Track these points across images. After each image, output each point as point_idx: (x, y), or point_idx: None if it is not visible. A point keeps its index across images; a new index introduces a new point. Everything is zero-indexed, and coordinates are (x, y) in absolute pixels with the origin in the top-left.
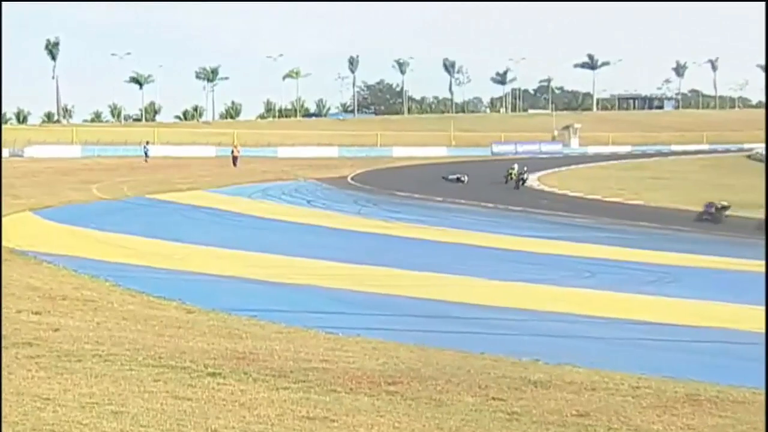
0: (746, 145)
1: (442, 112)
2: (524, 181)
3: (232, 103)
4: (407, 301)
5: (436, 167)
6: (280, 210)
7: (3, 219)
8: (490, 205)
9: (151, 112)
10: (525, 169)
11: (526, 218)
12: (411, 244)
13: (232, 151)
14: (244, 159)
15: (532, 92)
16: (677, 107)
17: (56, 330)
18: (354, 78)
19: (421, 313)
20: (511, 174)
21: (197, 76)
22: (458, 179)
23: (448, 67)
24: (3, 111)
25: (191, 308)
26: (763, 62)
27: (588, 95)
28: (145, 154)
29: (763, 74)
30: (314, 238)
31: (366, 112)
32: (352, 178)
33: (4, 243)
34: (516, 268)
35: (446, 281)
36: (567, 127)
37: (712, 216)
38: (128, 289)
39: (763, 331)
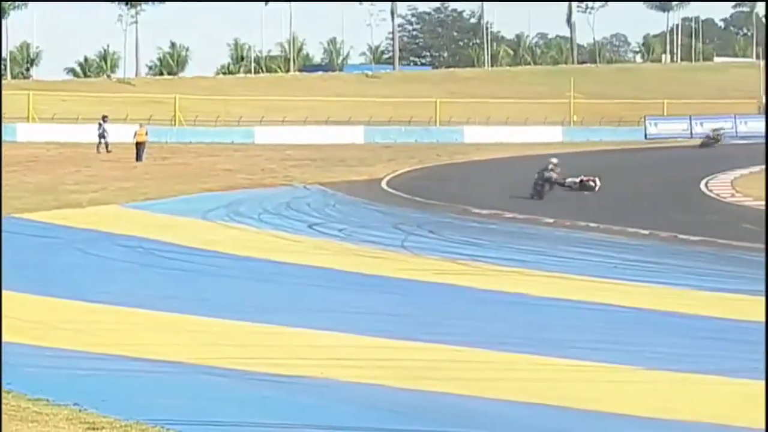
0: None
1: (556, 62)
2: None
3: (172, 46)
4: (499, 408)
5: (543, 162)
6: (260, 242)
7: None
8: (644, 232)
9: (22, 62)
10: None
11: (711, 257)
12: (500, 303)
13: (137, 134)
14: (191, 148)
15: (719, 25)
16: None
17: None
18: (394, 2)
19: (527, 429)
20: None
21: None
22: (583, 184)
23: None
24: None
25: (98, 420)
26: None
27: None
28: (101, 137)
29: None
30: (324, 293)
31: (416, 63)
32: (389, 183)
33: None
34: (700, 348)
35: (572, 372)
36: None
37: None
38: None
39: None
